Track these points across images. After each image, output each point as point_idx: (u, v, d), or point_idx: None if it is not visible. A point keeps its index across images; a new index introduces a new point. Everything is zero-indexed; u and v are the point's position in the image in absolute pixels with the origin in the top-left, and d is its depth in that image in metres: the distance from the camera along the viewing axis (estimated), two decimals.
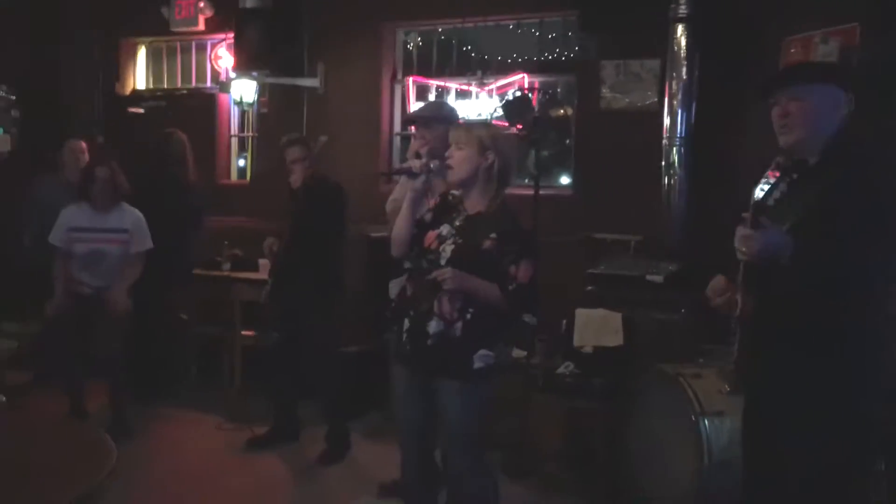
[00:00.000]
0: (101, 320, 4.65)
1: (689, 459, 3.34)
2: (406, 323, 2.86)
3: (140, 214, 4.77)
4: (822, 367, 2.25)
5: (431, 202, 2.97)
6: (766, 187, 2.41)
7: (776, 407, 2.36)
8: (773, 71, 4.47)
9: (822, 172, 2.30)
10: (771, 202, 2.37)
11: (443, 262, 2.77)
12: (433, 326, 2.77)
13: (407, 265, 2.93)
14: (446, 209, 2.91)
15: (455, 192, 2.91)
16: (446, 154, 2.85)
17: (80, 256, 4.64)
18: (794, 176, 2.39)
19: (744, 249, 2.20)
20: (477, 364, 2.76)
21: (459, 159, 2.81)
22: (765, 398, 2.43)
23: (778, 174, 2.40)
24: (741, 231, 2.20)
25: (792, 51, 4.59)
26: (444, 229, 2.84)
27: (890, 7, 4.13)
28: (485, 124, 2.95)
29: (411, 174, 2.86)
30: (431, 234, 2.85)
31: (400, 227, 2.90)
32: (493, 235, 2.75)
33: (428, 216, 2.92)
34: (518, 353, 4.21)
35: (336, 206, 4.35)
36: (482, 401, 2.84)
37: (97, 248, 4.64)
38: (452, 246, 2.79)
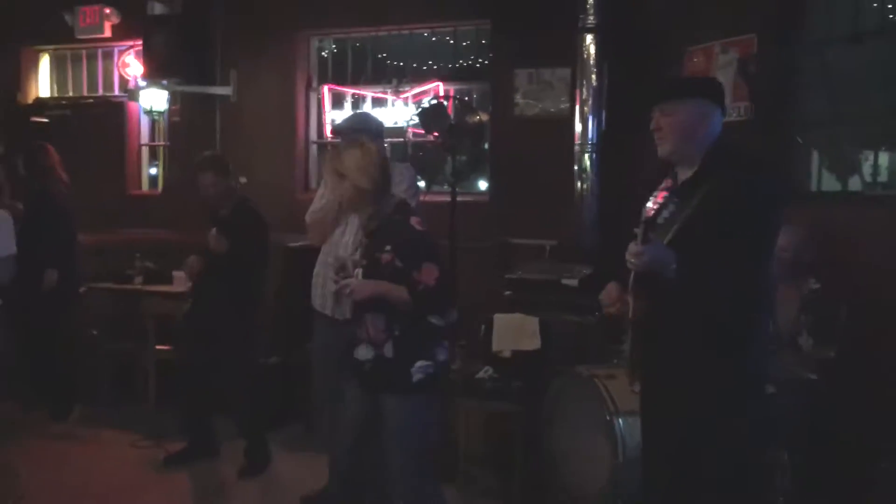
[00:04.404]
0: None
1: (605, 457, 3.44)
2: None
3: (7, 215, 4.48)
4: (708, 364, 2.38)
5: None
6: (656, 206, 2.53)
7: (669, 403, 2.48)
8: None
9: (696, 186, 2.43)
10: (661, 220, 2.49)
11: None
12: (365, 352, 2.86)
13: None
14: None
15: None
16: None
17: None
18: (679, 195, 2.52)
19: (633, 261, 2.32)
20: (416, 376, 2.81)
21: (341, 194, 2.91)
22: (659, 395, 2.54)
23: (666, 194, 2.52)
24: (632, 247, 2.33)
25: (695, 59, 4.78)
26: (357, 254, 2.98)
27: (783, 20, 4.35)
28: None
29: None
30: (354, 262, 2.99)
31: None
32: (387, 248, 2.83)
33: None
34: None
35: (261, 238, 4.30)
36: (425, 414, 2.88)
37: None
38: (361, 270, 2.90)
